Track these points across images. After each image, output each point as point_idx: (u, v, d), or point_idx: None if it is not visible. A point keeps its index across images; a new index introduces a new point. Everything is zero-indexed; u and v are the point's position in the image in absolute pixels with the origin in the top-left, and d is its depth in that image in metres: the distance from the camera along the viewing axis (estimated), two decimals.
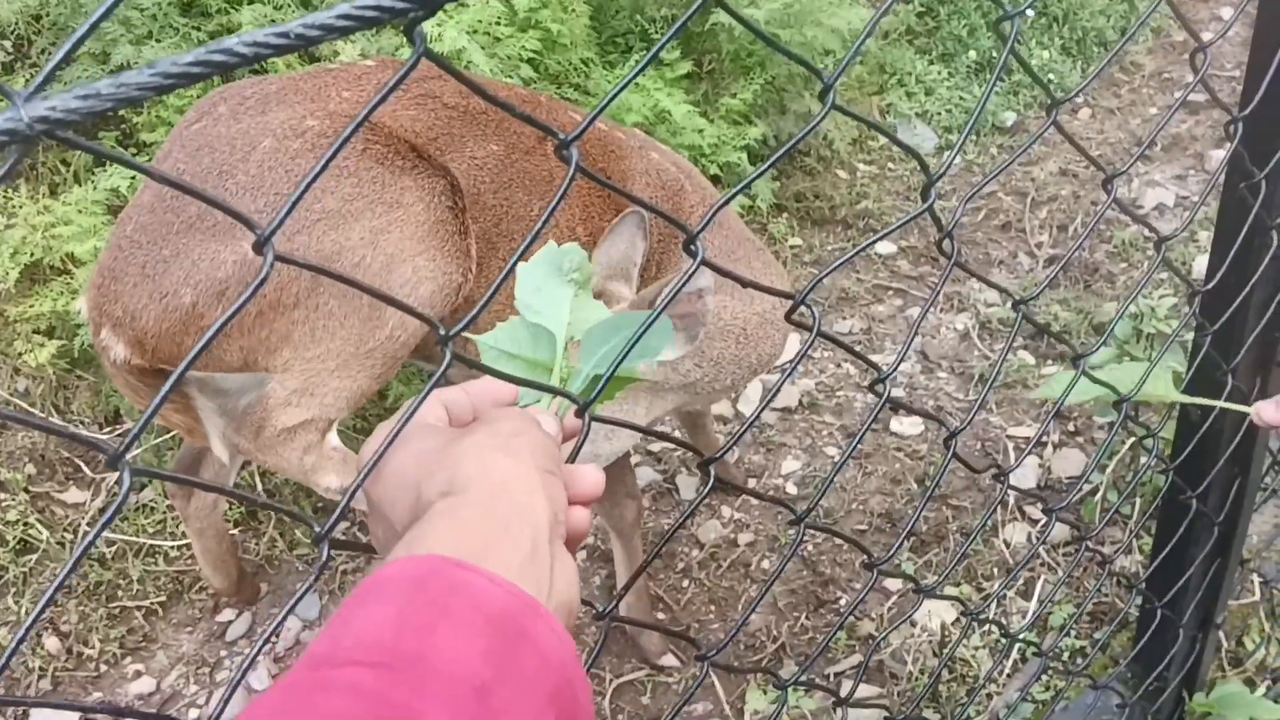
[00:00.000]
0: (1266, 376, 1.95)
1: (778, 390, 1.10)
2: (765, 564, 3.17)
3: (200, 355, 0.72)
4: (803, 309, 1.10)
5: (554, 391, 0.96)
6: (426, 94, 2.32)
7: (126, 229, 2.20)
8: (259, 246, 0.74)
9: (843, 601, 3.07)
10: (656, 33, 4.10)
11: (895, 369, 1.17)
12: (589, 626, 2.98)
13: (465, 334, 0.88)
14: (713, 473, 1.08)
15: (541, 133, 0.84)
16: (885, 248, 4.43)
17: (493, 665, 0.69)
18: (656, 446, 3.53)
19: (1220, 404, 1.73)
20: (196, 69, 0.69)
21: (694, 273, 0.98)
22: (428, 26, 3.34)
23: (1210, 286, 1.78)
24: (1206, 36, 5.58)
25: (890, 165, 4.84)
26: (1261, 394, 1.96)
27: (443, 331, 0.85)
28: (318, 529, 0.83)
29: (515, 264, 0.85)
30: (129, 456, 0.68)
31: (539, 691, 0.71)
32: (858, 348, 3.93)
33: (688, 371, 2.46)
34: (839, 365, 3.84)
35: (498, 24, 3.58)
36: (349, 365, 2.28)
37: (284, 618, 0.84)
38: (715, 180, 3.93)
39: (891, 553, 1.37)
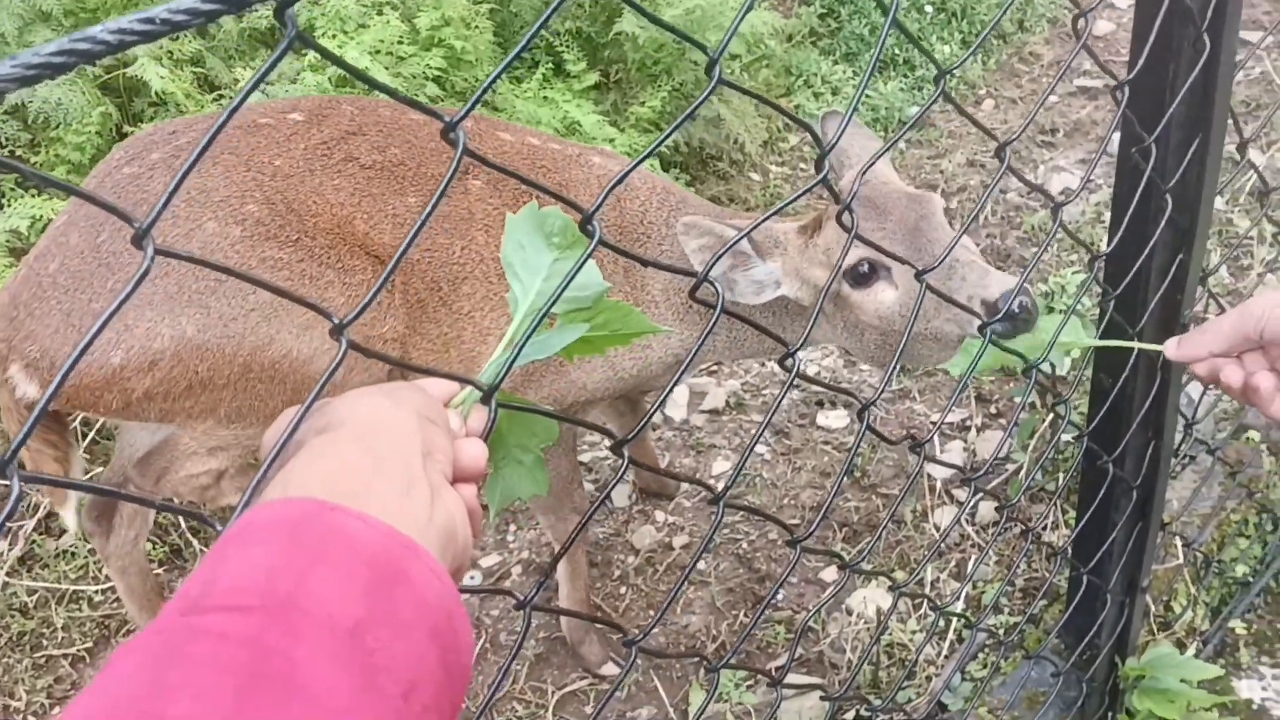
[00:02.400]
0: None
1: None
2: (701, 564, 3.17)
3: (62, 387, 0.71)
4: (706, 286, 1.10)
5: (451, 378, 0.96)
6: (345, 158, 2.28)
7: (49, 265, 2.13)
8: (138, 240, 0.73)
9: (780, 597, 3.08)
10: (561, 46, 4.11)
11: (802, 344, 1.18)
12: (538, 627, 2.96)
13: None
14: (626, 453, 1.08)
15: (455, 173, 0.85)
16: None
17: (368, 606, 0.70)
18: (587, 457, 3.52)
19: (1136, 345, 1.76)
20: (60, 59, 0.68)
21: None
22: (333, 49, 3.31)
23: (1110, 251, 1.82)
24: (1101, 23, 5.68)
25: (802, 165, 4.89)
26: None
27: (336, 320, 0.85)
28: (219, 528, 0.81)
29: (412, 240, 0.85)
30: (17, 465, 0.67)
31: (418, 630, 0.72)
32: None
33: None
34: (763, 365, 3.86)
35: (400, 43, 3.57)
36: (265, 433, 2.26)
37: None
38: None
39: (814, 527, 1.38)
